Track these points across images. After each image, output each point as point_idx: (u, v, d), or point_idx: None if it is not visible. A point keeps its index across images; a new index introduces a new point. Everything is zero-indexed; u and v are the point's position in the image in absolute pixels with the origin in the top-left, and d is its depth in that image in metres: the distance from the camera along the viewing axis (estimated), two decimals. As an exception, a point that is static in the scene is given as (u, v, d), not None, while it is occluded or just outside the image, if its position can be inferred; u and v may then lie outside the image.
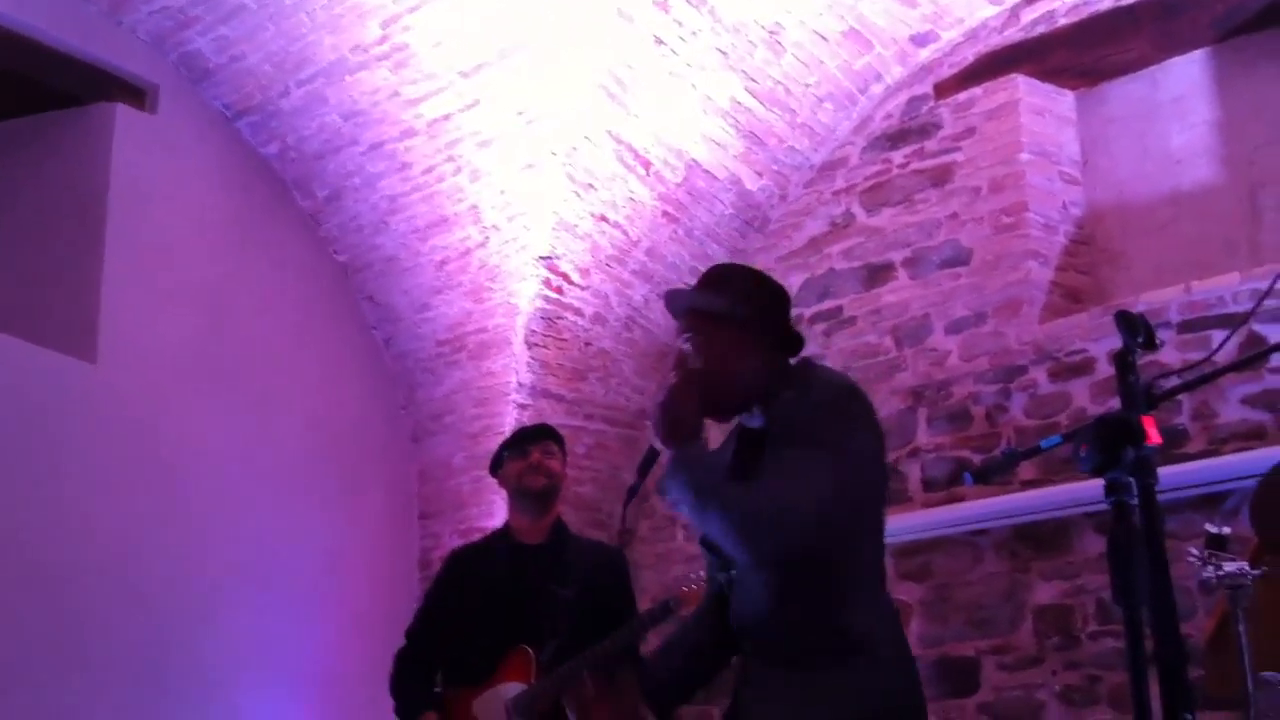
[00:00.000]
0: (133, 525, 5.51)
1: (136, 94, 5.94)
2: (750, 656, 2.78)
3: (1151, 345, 2.21)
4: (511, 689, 3.99)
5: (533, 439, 4.29)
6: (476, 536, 6.16)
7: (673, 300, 2.97)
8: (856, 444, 2.65)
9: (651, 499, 6.29)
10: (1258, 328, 4.75)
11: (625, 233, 6.08)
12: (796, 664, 2.64)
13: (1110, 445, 2.08)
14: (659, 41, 5.51)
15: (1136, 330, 2.20)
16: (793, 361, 2.84)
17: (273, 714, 5.80)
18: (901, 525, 5.44)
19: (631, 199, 5.99)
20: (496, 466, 4.35)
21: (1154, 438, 2.08)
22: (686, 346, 2.85)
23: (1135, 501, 2.07)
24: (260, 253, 6.23)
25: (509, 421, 6.16)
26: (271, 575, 5.92)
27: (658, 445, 2.77)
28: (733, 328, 2.82)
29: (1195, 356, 4.75)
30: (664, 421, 2.71)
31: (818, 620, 2.64)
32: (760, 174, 6.14)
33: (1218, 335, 4.78)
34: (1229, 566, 3.17)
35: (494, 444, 6.23)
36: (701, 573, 3.45)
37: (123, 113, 5.86)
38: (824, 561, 2.62)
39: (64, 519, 5.32)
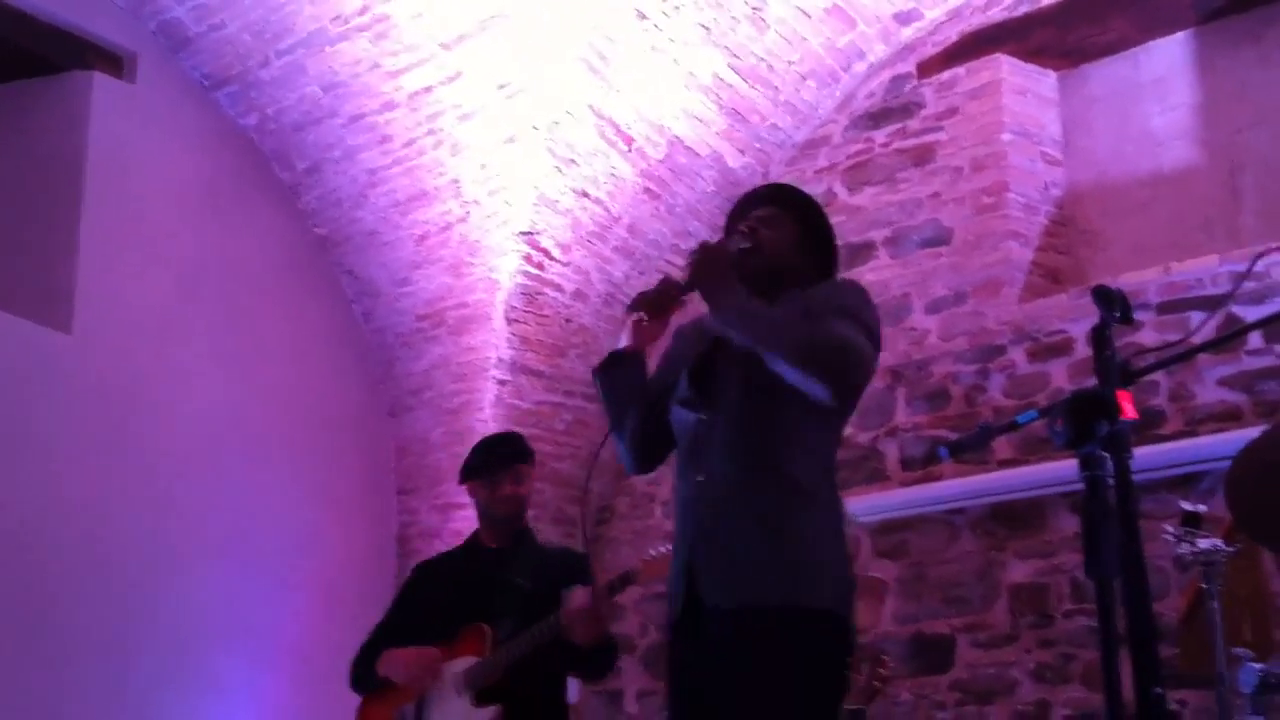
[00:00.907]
0: (107, 496, 5.49)
1: (114, 62, 5.89)
2: (699, 505, 2.81)
3: (1128, 320, 2.22)
4: (464, 663, 3.99)
5: (503, 464, 4.16)
6: (453, 512, 6.13)
7: (758, 191, 3.11)
8: (873, 327, 2.82)
9: (631, 479, 6.29)
10: (1236, 310, 4.77)
11: (606, 209, 6.06)
12: (761, 516, 2.71)
13: (1085, 420, 2.08)
14: (641, 16, 5.49)
15: (1114, 305, 2.20)
16: None
17: (247, 686, 5.78)
18: (878, 503, 5.46)
19: (613, 175, 5.97)
20: (465, 478, 4.28)
21: (1129, 412, 2.08)
22: (738, 238, 2.93)
23: (1109, 477, 2.07)
24: (239, 225, 6.19)
25: (488, 397, 6.14)
26: (247, 547, 5.90)
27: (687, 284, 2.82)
28: (798, 229, 3.00)
29: (1174, 337, 4.76)
30: (705, 260, 2.78)
31: (790, 475, 2.74)
32: (743, 151, 6.12)
33: (1196, 317, 4.80)
34: (1204, 543, 3.19)
35: (473, 419, 6.26)
36: (664, 547, 3.46)
37: (100, 81, 5.81)
38: (826, 425, 2.79)
39: (37, 490, 5.28)
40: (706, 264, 2.80)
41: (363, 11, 5.60)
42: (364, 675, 4.16)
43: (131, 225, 5.80)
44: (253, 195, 6.28)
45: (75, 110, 5.77)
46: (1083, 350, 5.09)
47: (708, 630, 2.72)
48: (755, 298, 2.78)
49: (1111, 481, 2.07)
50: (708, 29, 5.59)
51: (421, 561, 4.55)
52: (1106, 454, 2.08)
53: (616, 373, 2.93)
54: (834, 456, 2.86)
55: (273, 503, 6.03)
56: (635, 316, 2.88)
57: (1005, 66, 5.63)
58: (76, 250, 5.60)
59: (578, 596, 3.74)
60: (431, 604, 4.16)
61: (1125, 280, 5.01)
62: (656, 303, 2.87)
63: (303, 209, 6.43)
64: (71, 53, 5.80)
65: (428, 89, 5.80)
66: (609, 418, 2.98)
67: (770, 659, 2.62)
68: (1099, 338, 2.18)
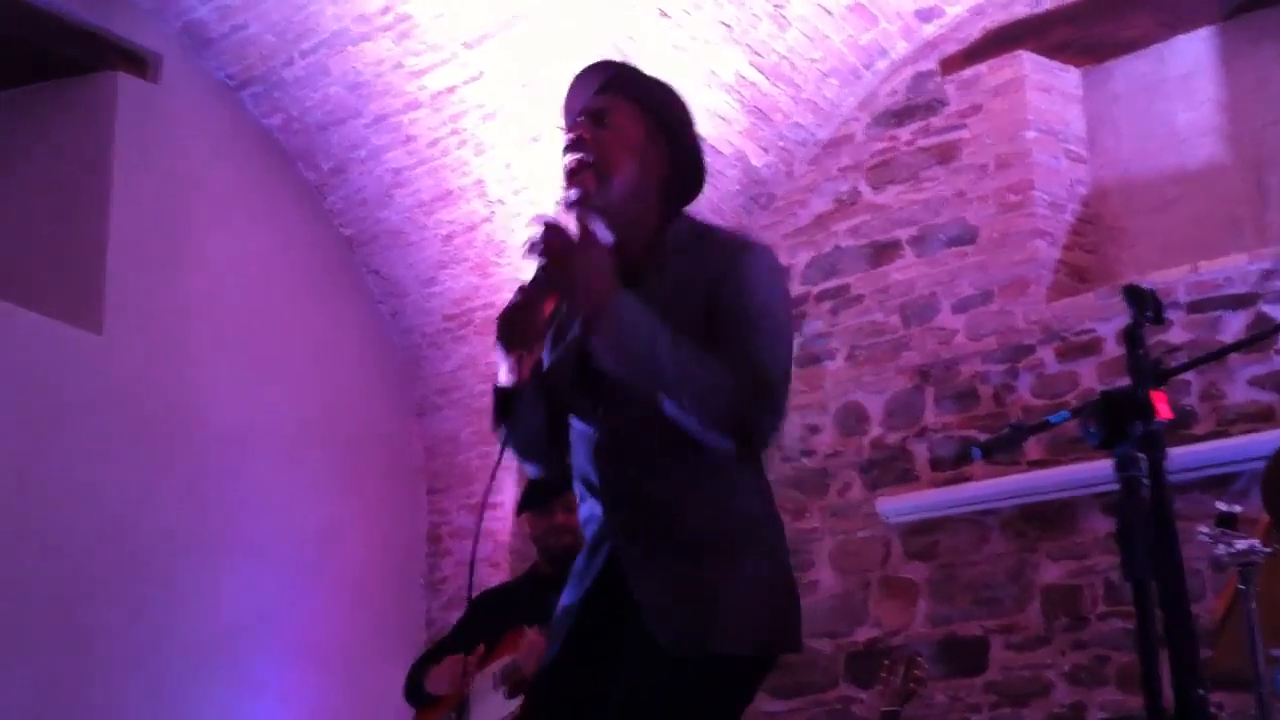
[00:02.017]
0: (137, 495, 5.51)
1: (139, 63, 5.90)
2: (616, 532, 2.38)
3: (1160, 320, 2.20)
4: (502, 663, 4.02)
5: (553, 493, 4.12)
6: (485, 512, 6.17)
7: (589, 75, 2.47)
8: (786, 315, 2.41)
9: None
10: (1266, 308, 4.73)
11: (630, 208, 6.04)
12: (681, 548, 2.33)
13: (1119, 420, 2.07)
14: (663, 14, 5.47)
15: (1145, 305, 2.18)
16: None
17: (277, 682, 5.80)
18: (908, 504, 5.44)
19: (636, 174, 5.95)
20: (520, 510, 4.33)
21: (1163, 412, 2.07)
22: (574, 139, 2.40)
23: (1144, 477, 2.04)
24: (265, 225, 6.20)
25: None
26: (277, 545, 5.92)
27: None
28: (648, 131, 2.43)
29: (1203, 337, 4.74)
30: (576, 275, 2.23)
31: (714, 500, 2.35)
32: (765, 150, 6.11)
33: (1226, 315, 4.78)
34: (1240, 544, 3.16)
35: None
36: None
37: (125, 82, 5.82)
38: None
39: (68, 490, 5.31)
40: (560, 261, 2.24)
41: (385, 11, 5.60)
42: (412, 689, 4.24)
43: (159, 226, 5.82)
44: (278, 195, 6.29)
45: (101, 111, 5.79)
46: (1112, 349, 5.06)
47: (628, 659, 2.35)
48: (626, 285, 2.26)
49: (1146, 482, 2.05)
50: (729, 27, 5.58)
51: (481, 592, 4.57)
52: (1141, 454, 2.06)
53: (513, 419, 2.41)
54: (766, 459, 2.48)
55: (301, 501, 6.05)
56: (513, 356, 2.37)
57: (1028, 63, 5.60)
58: (105, 251, 5.62)
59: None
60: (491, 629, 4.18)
61: (1153, 279, 4.98)
62: (526, 333, 2.36)
63: (328, 209, 6.43)
64: (96, 54, 5.81)
65: (451, 88, 5.81)
66: (521, 461, 2.55)
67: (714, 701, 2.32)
68: (1131, 337, 2.16)
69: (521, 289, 2.35)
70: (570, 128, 2.44)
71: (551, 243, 2.25)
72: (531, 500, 4.22)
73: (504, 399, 2.41)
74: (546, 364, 2.46)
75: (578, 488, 2.45)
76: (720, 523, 2.34)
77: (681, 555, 2.32)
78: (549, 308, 2.36)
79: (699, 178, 2.50)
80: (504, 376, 2.40)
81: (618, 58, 2.63)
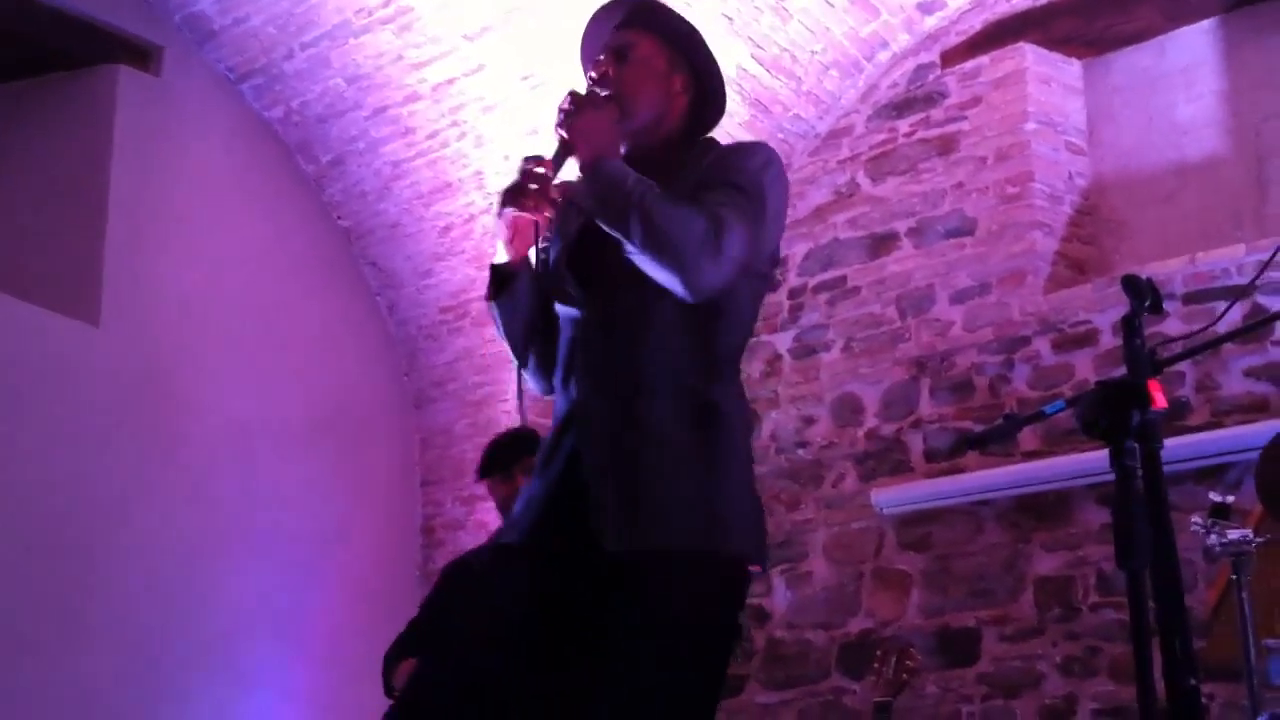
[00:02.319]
0: (134, 489, 5.52)
1: (140, 56, 5.91)
2: (588, 415, 2.34)
3: (1158, 309, 2.21)
4: None
5: (516, 458, 4.11)
6: (478, 503, 6.15)
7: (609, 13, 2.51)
8: (774, 205, 2.38)
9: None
10: (1262, 300, 4.74)
11: (629, 200, 6.05)
12: (650, 435, 2.28)
13: (1115, 410, 2.08)
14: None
15: (1143, 295, 2.19)
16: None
17: (275, 675, 5.82)
18: (903, 495, 5.45)
19: (635, 166, 5.96)
20: (481, 475, 4.28)
21: (1159, 402, 2.08)
22: (594, 76, 2.45)
23: (1139, 467, 2.06)
24: (263, 217, 6.21)
25: (511, 389, 6.15)
26: (273, 538, 5.93)
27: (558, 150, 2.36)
28: (670, 61, 2.50)
29: (1200, 328, 4.74)
30: (580, 131, 2.32)
31: (690, 389, 2.32)
32: (766, 141, 6.10)
33: (1223, 307, 4.77)
34: (1233, 534, 3.18)
35: (496, 411, 6.27)
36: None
37: (126, 75, 5.84)
38: (716, 326, 2.34)
39: (66, 483, 5.32)
40: (585, 121, 2.33)
41: (386, 4, 5.61)
42: (386, 682, 4.21)
43: (158, 218, 5.83)
44: (278, 188, 6.30)
45: (102, 104, 5.80)
46: (1108, 341, 5.08)
47: (587, 570, 2.27)
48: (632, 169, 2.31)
49: (1141, 472, 2.07)
50: (731, 19, 5.58)
51: (449, 563, 4.56)
52: (1136, 444, 2.07)
53: (506, 297, 2.43)
54: (740, 355, 2.44)
55: (298, 494, 6.06)
56: (507, 215, 2.36)
57: (1029, 55, 5.60)
58: (104, 243, 5.63)
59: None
60: (460, 604, 4.18)
61: (1151, 270, 4.99)
62: (526, 191, 2.33)
63: (327, 201, 6.44)
64: (97, 47, 5.82)
65: (451, 81, 5.81)
66: (510, 349, 2.51)
67: (673, 610, 2.23)
68: (1129, 327, 2.16)
69: (528, 159, 2.38)
70: (592, 66, 2.48)
71: (569, 106, 2.34)
72: (492, 465, 4.21)
73: (500, 276, 2.43)
74: (551, 255, 2.45)
75: (557, 379, 2.43)
76: (696, 415, 2.30)
77: (650, 443, 2.28)
78: (555, 184, 2.35)
79: (720, 104, 2.55)
80: (501, 253, 2.42)
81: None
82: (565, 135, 2.33)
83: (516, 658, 2.28)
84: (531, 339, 2.48)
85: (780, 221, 2.44)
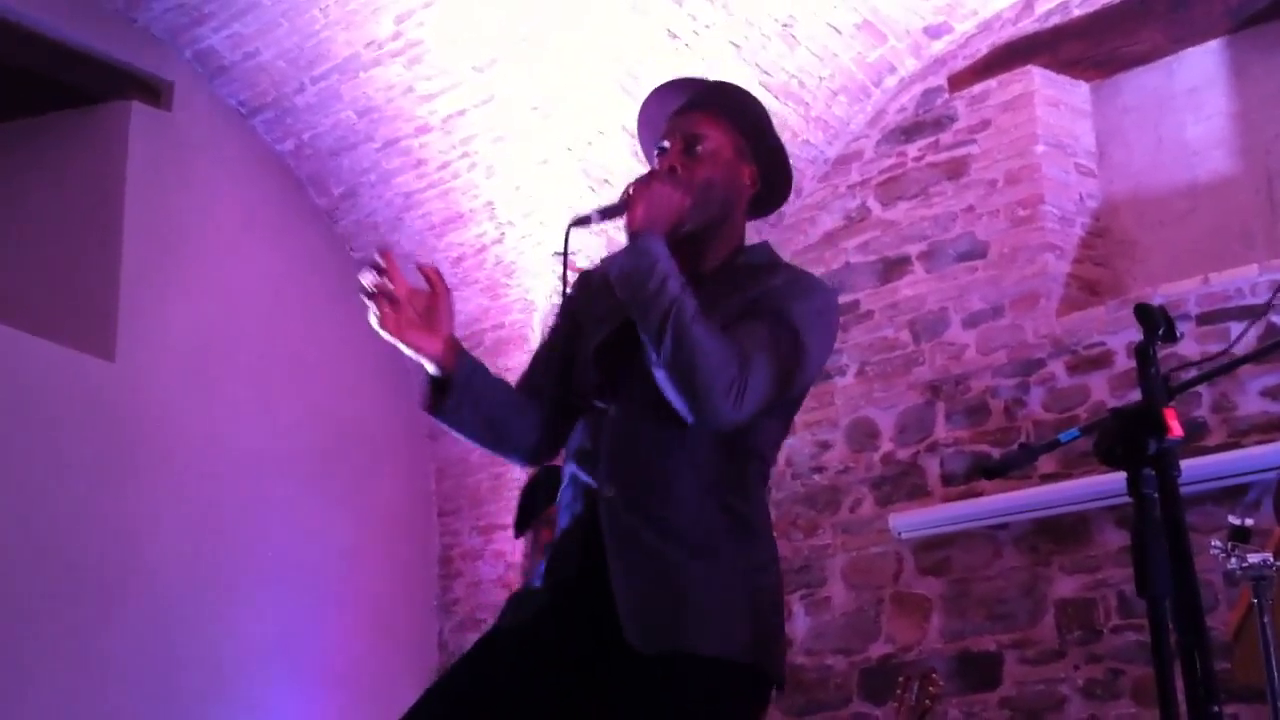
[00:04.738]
0: (150, 521, 5.53)
1: (152, 91, 5.95)
2: (609, 509, 2.27)
3: (1172, 337, 2.20)
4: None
5: (551, 499, 4.15)
6: (495, 533, 6.14)
7: (693, 91, 2.45)
8: (817, 354, 2.33)
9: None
10: (1276, 320, 4.73)
11: (641, 228, 6.06)
12: (672, 535, 2.23)
13: (1131, 438, 2.07)
14: (672, 35, 5.50)
15: (1157, 323, 2.18)
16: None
17: (290, 709, 5.81)
18: (920, 519, 5.44)
19: (647, 194, 5.97)
20: (519, 530, 4.31)
21: (1175, 430, 2.07)
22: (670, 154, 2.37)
23: (1156, 494, 2.05)
24: (276, 250, 6.24)
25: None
26: (289, 570, 5.93)
27: (611, 216, 2.32)
28: (737, 148, 2.43)
29: (1214, 348, 4.73)
30: (648, 196, 2.26)
31: (724, 502, 2.28)
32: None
33: (1237, 327, 4.76)
34: (1253, 558, 3.16)
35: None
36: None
37: (138, 110, 5.87)
38: (748, 443, 2.30)
39: (82, 516, 5.34)
40: (657, 189, 2.27)
41: (396, 37, 5.64)
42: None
43: (171, 252, 5.85)
44: (290, 220, 6.32)
45: (114, 139, 5.83)
46: (1123, 362, 5.07)
47: (603, 666, 2.23)
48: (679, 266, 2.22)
49: (1157, 495, 2.06)
50: (738, 46, 5.60)
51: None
52: (1154, 472, 2.06)
53: (453, 406, 2.35)
54: (770, 470, 2.41)
55: (314, 525, 6.06)
56: (378, 314, 2.25)
57: (1037, 78, 5.61)
58: (118, 278, 5.66)
59: None
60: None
61: (1164, 291, 4.98)
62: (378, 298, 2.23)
63: (340, 233, 6.47)
64: (109, 83, 5.86)
65: (461, 112, 5.84)
66: (490, 448, 2.46)
67: (691, 714, 2.19)
68: (1143, 356, 2.15)
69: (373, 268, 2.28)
70: (661, 155, 2.43)
71: (638, 182, 2.30)
72: (527, 513, 4.23)
73: (439, 387, 2.35)
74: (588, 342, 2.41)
75: (568, 471, 2.37)
76: (719, 520, 2.26)
77: (671, 543, 2.23)
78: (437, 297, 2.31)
79: (786, 191, 2.52)
80: (426, 365, 2.35)
81: (629, 79, 2.63)
82: (631, 192, 2.28)
83: None
84: (515, 422, 2.41)
85: (819, 367, 2.38)
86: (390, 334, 2.27)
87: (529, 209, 5.95)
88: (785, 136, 5.96)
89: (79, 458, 5.38)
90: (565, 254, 2.39)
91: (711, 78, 2.58)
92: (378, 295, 2.25)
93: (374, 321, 2.27)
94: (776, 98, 5.84)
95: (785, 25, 5.55)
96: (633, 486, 2.26)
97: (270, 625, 5.81)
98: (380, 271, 2.24)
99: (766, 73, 5.73)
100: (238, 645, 5.69)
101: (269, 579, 5.85)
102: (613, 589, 2.21)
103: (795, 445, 5.94)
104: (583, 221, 2.36)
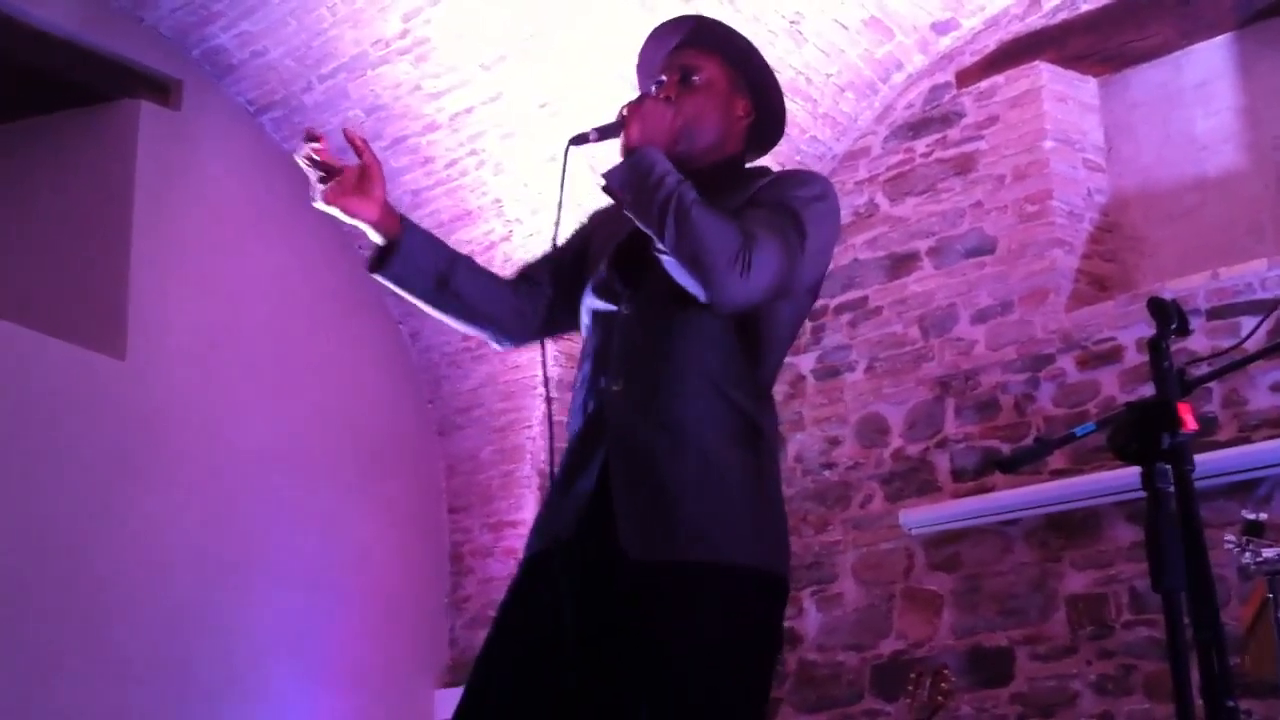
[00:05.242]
0: (162, 520, 5.54)
1: (160, 90, 5.95)
2: (619, 408, 2.31)
3: (1185, 331, 2.20)
4: None
5: None
6: (506, 530, 6.15)
7: (680, 25, 2.52)
8: (819, 238, 2.37)
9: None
10: (1287, 314, 4.72)
11: (649, 225, 6.07)
12: (679, 436, 2.26)
13: (1146, 432, 2.07)
14: (680, 32, 5.49)
15: (1169, 317, 2.18)
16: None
17: (302, 706, 5.82)
18: (930, 515, 5.44)
19: (655, 190, 5.97)
20: None
21: (1190, 425, 2.07)
22: (658, 90, 2.44)
23: (1171, 488, 2.05)
24: (286, 249, 6.24)
25: (536, 415, 6.16)
26: (301, 567, 5.94)
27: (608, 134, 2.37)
28: (731, 82, 2.51)
29: (1224, 343, 4.73)
30: (641, 114, 2.33)
31: (732, 403, 2.31)
32: (783, 164, 6.11)
33: (1247, 321, 4.76)
34: (1268, 552, 3.17)
35: (521, 438, 6.28)
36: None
37: (147, 109, 5.88)
38: (759, 344, 2.35)
39: (93, 516, 5.35)
40: (649, 109, 2.34)
41: (403, 35, 5.64)
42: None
43: (181, 251, 5.86)
44: (299, 218, 6.31)
45: (123, 138, 5.84)
46: (1133, 357, 5.07)
47: (611, 581, 2.24)
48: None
49: (1171, 489, 2.06)
50: (746, 43, 5.59)
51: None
52: (1168, 466, 2.07)
53: (397, 264, 2.43)
54: (776, 377, 2.43)
55: (325, 522, 6.08)
56: (318, 183, 2.34)
57: (1045, 74, 5.61)
58: (128, 277, 5.66)
59: None
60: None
61: (1173, 286, 4.98)
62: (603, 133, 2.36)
63: (349, 231, 6.42)
64: (118, 82, 5.87)
65: (469, 110, 5.84)
66: (439, 309, 2.53)
67: (705, 624, 2.20)
68: (1155, 350, 2.16)
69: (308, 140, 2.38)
70: (656, 87, 2.47)
71: (632, 103, 2.36)
72: None
73: (383, 254, 2.44)
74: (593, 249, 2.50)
75: (584, 372, 2.42)
76: (742, 433, 2.30)
77: (669, 440, 2.25)
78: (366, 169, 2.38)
79: (780, 124, 2.58)
80: (376, 236, 2.43)
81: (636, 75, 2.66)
82: (625, 113, 2.34)
83: (551, 672, 2.25)
84: (496, 315, 2.54)
85: (825, 256, 2.43)
86: (329, 204, 2.35)
87: (537, 206, 5.95)
88: (793, 133, 6.00)
89: (90, 456, 5.39)
90: (564, 173, 2.43)
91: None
92: (315, 165, 2.34)
93: (314, 194, 2.36)
94: (784, 94, 5.83)
95: (792, 22, 5.55)
96: (638, 381, 2.31)
97: (281, 622, 5.82)
98: (315, 143, 2.32)
99: (774, 69, 5.71)
100: (249, 642, 5.70)
101: (280, 576, 5.86)
102: (612, 495, 2.25)
103: (805, 441, 5.95)
104: (581, 139, 2.41)
